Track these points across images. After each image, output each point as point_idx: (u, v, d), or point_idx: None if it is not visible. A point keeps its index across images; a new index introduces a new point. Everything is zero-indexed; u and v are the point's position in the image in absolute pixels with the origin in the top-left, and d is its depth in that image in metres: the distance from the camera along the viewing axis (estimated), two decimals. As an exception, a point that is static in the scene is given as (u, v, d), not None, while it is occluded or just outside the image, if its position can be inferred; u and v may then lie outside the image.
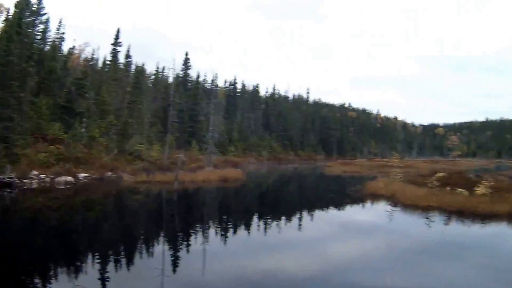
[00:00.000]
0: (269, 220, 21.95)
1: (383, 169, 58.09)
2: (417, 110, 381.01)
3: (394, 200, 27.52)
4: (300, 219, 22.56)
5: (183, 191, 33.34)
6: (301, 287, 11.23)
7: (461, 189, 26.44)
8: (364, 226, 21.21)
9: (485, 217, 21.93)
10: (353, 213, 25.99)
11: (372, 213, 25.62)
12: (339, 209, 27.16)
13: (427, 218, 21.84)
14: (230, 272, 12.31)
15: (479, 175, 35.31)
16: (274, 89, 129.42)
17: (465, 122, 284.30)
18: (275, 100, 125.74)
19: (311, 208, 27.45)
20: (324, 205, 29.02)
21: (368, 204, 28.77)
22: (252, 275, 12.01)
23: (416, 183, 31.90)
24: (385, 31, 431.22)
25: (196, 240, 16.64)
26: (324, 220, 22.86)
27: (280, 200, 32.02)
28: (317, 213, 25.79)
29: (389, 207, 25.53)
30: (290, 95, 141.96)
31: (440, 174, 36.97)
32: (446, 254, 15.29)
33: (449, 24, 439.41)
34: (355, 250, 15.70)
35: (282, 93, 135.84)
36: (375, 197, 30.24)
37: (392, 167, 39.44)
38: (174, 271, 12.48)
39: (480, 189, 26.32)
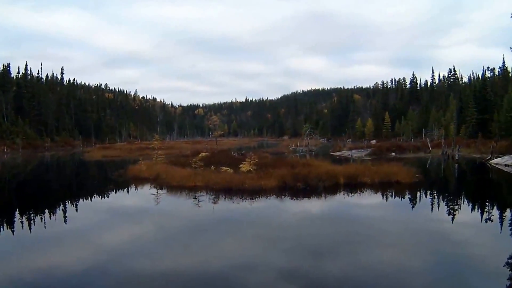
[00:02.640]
0: (31, 215, 20.17)
1: (144, 151, 58.07)
2: (176, 91, 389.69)
3: (158, 182, 27.51)
4: (64, 211, 21.04)
5: None
6: (78, 279, 10.39)
7: (225, 167, 27.41)
8: (133, 210, 20.63)
9: (253, 192, 23.06)
10: (120, 198, 25.13)
11: (139, 197, 25.06)
12: (104, 196, 25.99)
13: (195, 198, 22.12)
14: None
15: (242, 153, 36.97)
16: (26, 69, 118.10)
17: (225, 102, 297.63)
18: (28, 81, 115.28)
19: (75, 198, 25.70)
20: (88, 193, 27.65)
21: (133, 188, 28.11)
22: (25, 274, 10.76)
23: (179, 163, 32.27)
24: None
25: None
26: (91, 209, 21.58)
27: (39, 192, 29.72)
28: (82, 202, 24.18)
29: (154, 190, 25.35)
30: (44, 76, 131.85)
31: (203, 153, 38.01)
32: (221, 229, 15.75)
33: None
34: (126, 235, 15.15)
35: (36, 73, 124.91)
36: (140, 180, 29.76)
37: (153, 149, 39.18)
38: None
39: (245, 166, 27.55)
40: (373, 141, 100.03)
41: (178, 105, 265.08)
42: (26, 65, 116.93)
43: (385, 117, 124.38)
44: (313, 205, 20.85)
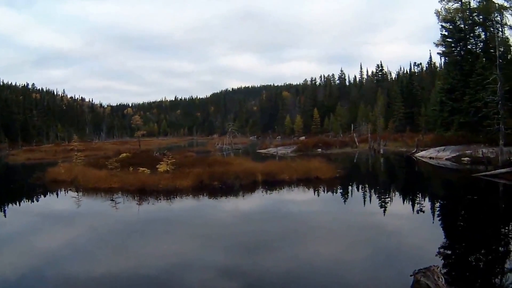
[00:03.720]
0: None
1: (69, 153, 56.55)
2: (105, 90, 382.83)
3: (76, 185, 26.82)
4: None
5: None
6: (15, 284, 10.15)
7: (143, 168, 27.24)
8: (55, 214, 19.82)
9: (168, 192, 22.93)
10: (39, 202, 24.03)
11: (59, 201, 24.12)
12: (18, 202, 25.19)
13: (112, 200, 21.87)
14: None
15: (164, 153, 36.77)
16: None
17: (154, 102, 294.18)
18: None
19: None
20: (5, 198, 26.90)
21: (51, 192, 27.29)
22: None
23: (97, 165, 31.69)
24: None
25: None
26: (11, 213, 21.08)
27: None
28: None
29: (73, 193, 24.94)
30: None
31: (124, 154, 37.65)
32: (148, 230, 15.68)
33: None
34: (53, 239, 14.62)
35: None
36: (57, 183, 28.77)
37: (74, 150, 38.52)
38: None
39: (162, 167, 27.47)
40: (302, 138, 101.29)
41: (107, 105, 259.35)
42: None
43: (314, 114, 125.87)
44: (231, 204, 20.91)
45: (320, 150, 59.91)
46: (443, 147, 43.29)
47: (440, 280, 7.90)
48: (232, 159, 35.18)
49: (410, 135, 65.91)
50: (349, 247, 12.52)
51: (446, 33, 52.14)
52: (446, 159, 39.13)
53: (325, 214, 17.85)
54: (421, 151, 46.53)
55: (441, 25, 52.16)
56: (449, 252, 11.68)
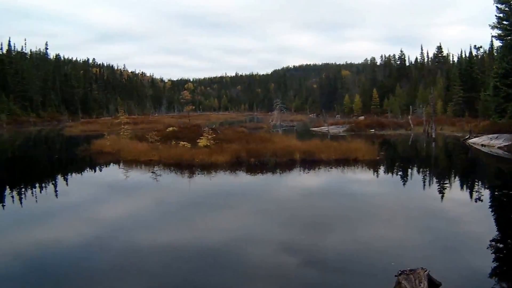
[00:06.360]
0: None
1: (123, 126, 57.79)
2: (166, 66, 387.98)
3: (118, 157, 27.73)
4: (41, 186, 20.63)
5: None
6: (80, 253, 10.27)
7: (184, 142, 27.68)
8: (106, 184, 20.74)
9: (204, 167, 23.34)
10: (87, 174, 24.92)
11: (103, 172, 25.15)
12: (64, 173, 25.69)
13: (153, 172, 22.43)
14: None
15: (213, 128, 37.08)
16: (9, 45, 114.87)
17: (215, 77, 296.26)
18: (12, 57, 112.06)
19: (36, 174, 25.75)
20: (54, 168, 27.76)
21: (95, 163, 28.04)
22: (23, 250, 10.51)
23: (142, 138, 32.47)
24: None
25: None
26: (73, 183, 21.64)
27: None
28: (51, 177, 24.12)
29: (115, 165, 25.70)
30: (28, 51, 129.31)
31: (171, 128, 38.25)
32: (197, 203, 16.08)
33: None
34: (118, 209, 15.39)
35: (19, 49, 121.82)
36: (102, 154, 29.93)
37: (121, 123, 39.35)
38: None
39: (202, 141, 27.84)
40: (362, 117, 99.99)
41: (168, 80, 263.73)
42: (9, 42, 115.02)
43: (373, 94, 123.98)
44: (272, 180, 21.12)
45: (373, 130, 59.19)
46: (496, 135, 41.71)
47: (422, 285, 7.65)
48: (276, 136, 35.19)
49: (468, 120, 63.88)
50: (402, 230, 12.23)
51: (502, 15, 50.01)
52: (498, 148, 37.68)
53: (370, 197, 17.38)
54: (474, 137, 45.23)
55: (497, 7, 49.91)
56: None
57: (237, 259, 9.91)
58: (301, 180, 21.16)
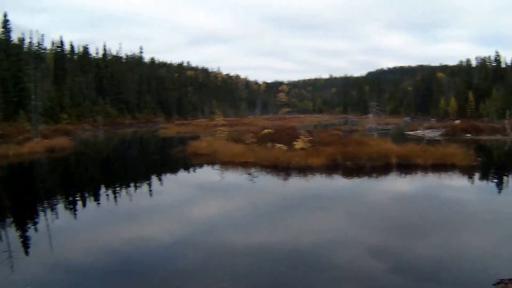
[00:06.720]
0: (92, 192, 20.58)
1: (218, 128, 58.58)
2: (259, 68, 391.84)
3: (213, 158, 28.37)
4: (136, 186, 21.38)
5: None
6: (174, 251, 10.93)
7: (280, 144, 27.53)
8: (200, 186, 21.37)
9: (300, 170, 23.26)
10: (183, 175, 25.95)
11: (200, 173, 25.97)
12: (162, 173, 26.59)
13: (249, 174, 22.63)
14: (91, 246, 11.32)
15: (308, 130, 36.84)
16: (105, 50, 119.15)
17: (309, 79, 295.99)
18: (107, 62, 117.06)
19: (136, 173, 26.60)
20: (149, 169, 28.48)
21: (191, 164, 28.93)
22: (118, 245, 11.39)
23: (238, 140, 32.76)
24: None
25: (42, 217, 14.77)
26: (166, 183, 22.64)
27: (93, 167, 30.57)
28: (149, 177, 24.92)
29: (211, 166, 26.13)
30: (123, 55, 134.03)
31: (266, 130, 38.25)
32: (295, 205, 16.41)
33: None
34: (214, 209, 15.91)
35: (114, 53, 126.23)
36: (197, 156, 30.71)
37: (217, 125, 39.86)
38: (25, 252, 10.98)
39: (298, 144, 27.59)
40: (457, 121, 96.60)
41: (262, 82, 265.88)
42: (105, 46, 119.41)
43: (469, 97, 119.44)
44: (369, 185, 21.04)
45: (468, 135, 56.85)
46: None
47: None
48: (372, 140, 34.61)
49: None
50: (499, 239, 11.81)
51: None
52: None
53: (468, 204, 16.94)
54: None
55: None
56: None
57: (327, 262, 10.13)
58: (397, 185, 21.00)
